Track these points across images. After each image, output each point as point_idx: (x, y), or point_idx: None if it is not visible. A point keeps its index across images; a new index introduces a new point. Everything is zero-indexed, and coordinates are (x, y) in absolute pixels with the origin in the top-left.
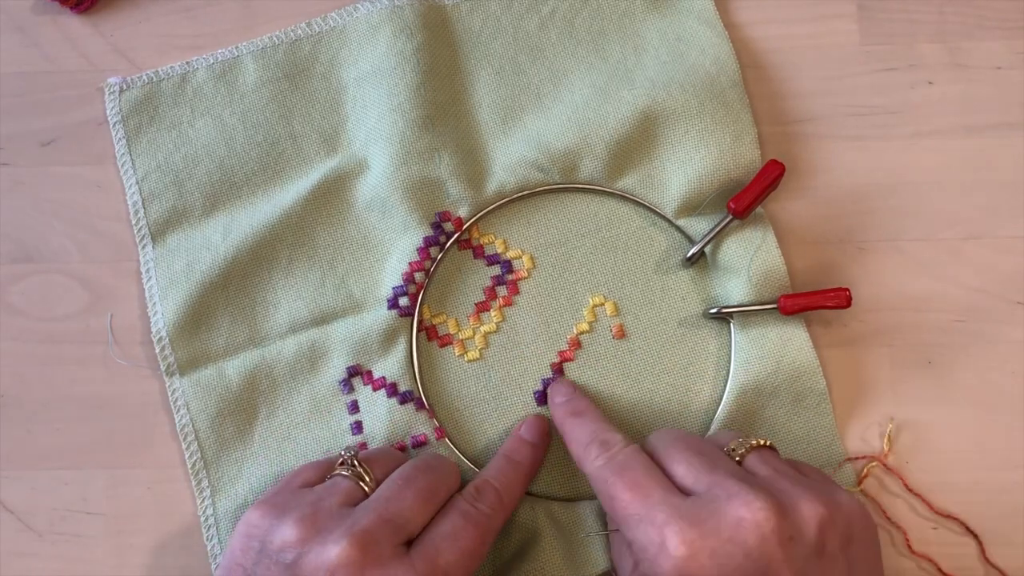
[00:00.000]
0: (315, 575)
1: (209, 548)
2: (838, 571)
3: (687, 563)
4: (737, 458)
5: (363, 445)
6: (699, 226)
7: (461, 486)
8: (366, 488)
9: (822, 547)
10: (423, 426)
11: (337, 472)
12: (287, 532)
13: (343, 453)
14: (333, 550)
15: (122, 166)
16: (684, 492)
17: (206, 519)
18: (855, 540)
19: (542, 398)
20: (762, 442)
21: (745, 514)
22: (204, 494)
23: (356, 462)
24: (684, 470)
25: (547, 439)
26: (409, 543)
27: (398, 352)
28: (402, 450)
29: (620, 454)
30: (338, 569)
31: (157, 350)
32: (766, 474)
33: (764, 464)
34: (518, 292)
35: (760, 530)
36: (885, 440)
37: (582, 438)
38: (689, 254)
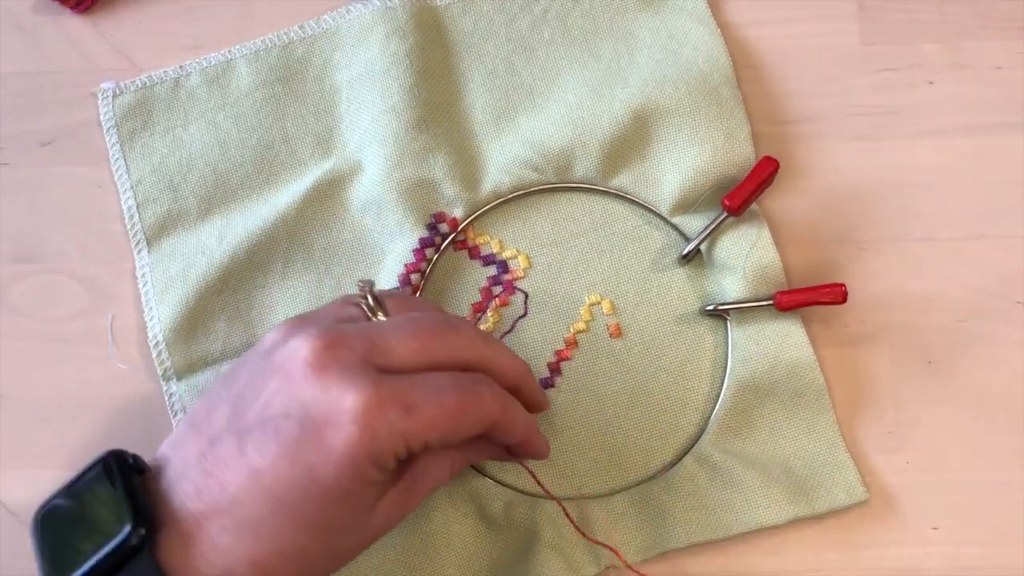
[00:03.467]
0: (282, 362)
1: None
2: None
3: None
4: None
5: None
6: (694, 223)
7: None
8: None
9: None
10: None
11: (350, 301)
12: (276, 333)
13: (359, 284)
14: (302, 339)
15: (116, 171)
16: None
17: None
18: None
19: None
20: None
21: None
22: None
23: (371, 296)
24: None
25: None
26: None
27: None
28: None
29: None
30: (297, 353)
31: (154, 355)
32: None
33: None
34: (514, 292)
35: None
36: None
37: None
38: (685, 252)
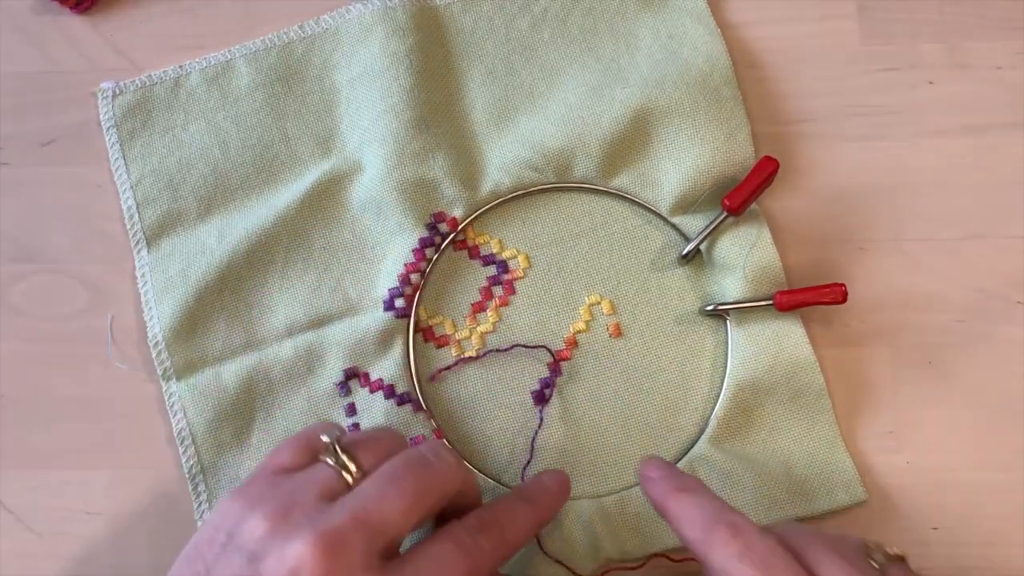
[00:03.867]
0: (275, 571)
1: None
2: None
3: None
4: (876, 565)
5: (356, 427)
6: (694, 223)
7: (468, 493)
8: (349, 479)
9: None
10: (421, 427)
11: (321, 459)
12: (255, 524)
13: (324, 438)
14: (297, 548)
15: (116, 171)
16: None
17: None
18: None
19: (539, 398)
20: (898, 553)
21: None
22: (200, 499)
23: (338, 449)
24: (830, 570)
25: (567, 492)
26: (388, 550)
27: (395, 354)
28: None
29: (759, 544)
30: (300, 569)
31: (153, 355)
32: None
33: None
34: (514, 292)
35: None
36: None
37: (702, 518)
38: (684, 251)
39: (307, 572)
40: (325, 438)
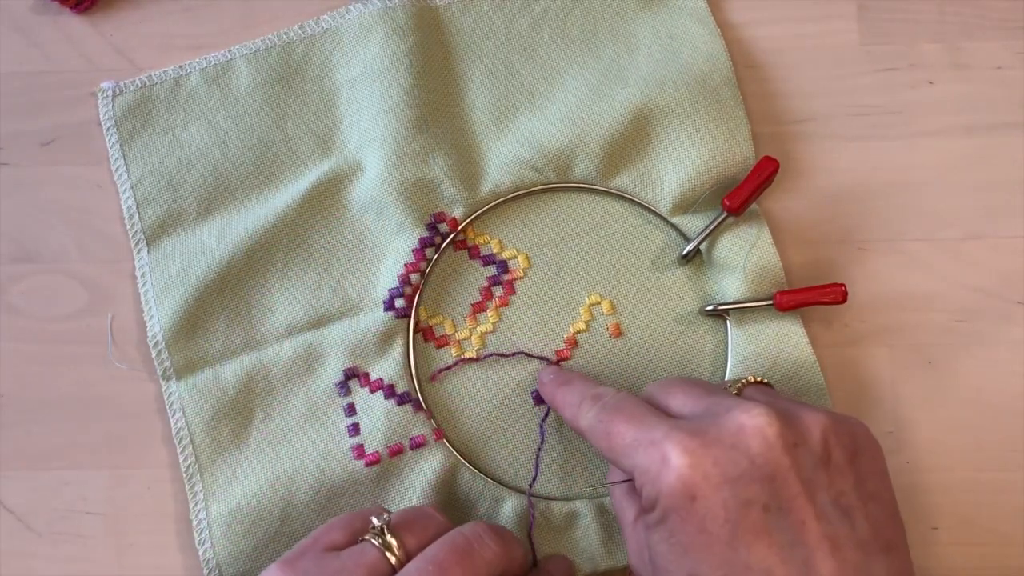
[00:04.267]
0: None
1: (201, 553)
2: (846, 482)
3: (691, 472)
4: (734, 391)
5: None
6: (694, 223)
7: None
8: (394, 561)
9: (827, 456)
10: (421, 427)
11: (367, 539)
12: None
13: (374, 520)
14: None
15: (116, 171)
16: (680, 418)
17: (198, 523)
18: (861, 453)
19: (540, 398)
20: (758, 379)
21: (746, 420)
22: (197, 498)
23: (386, 530)
24: (681, 400)
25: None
26: None
27: (395, 354)
28: (399, 452)
29: (612, 399)
30: None
31: (153, 354)
32: (765, 399)
33: (761, 393)
34: (514, 292)
35: (763, 434)
36: None
37: (573, 399)
38: (684, 252)
39: None
40: (376, 521)
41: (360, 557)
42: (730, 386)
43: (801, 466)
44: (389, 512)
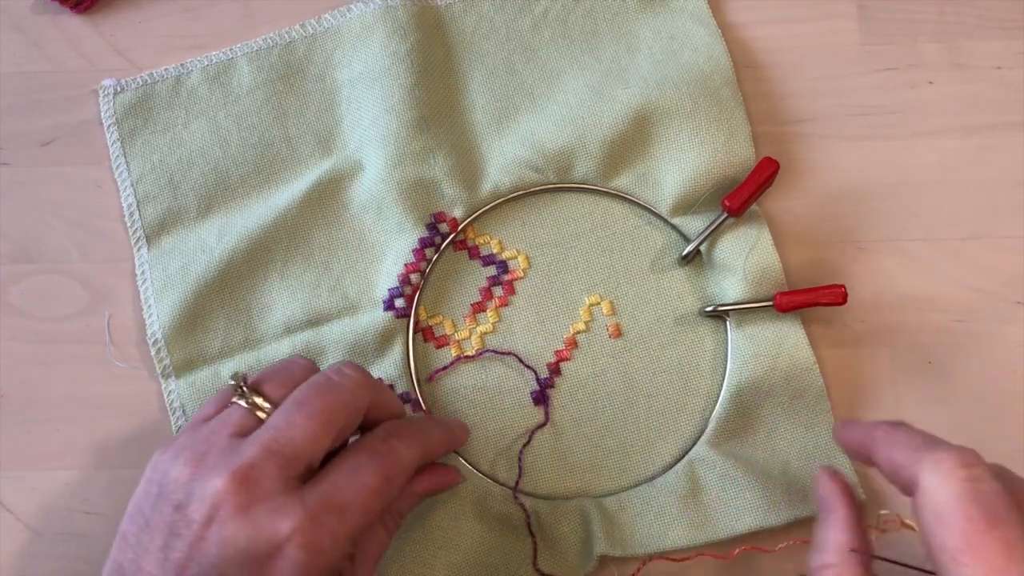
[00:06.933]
0: (199, 512)
1: None
2: None
3: None
4: None
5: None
6: (694, 224)
7: (384, 404)
8: (262, 415)
9: None
10: None
11: (233, 401)
12: (178, 472)
13: (231, 381)
14: (215, 486)
15: (117, 168)
16: None
17: None
18: None
19: (538, 398)
20: None
21: None
22: None
23: (245, 388)
24: None
25: (467, 432)
26: (306, 473)
27: (395, 353)
28: None
29: (987, 484)
30: (221, 505)
31: (153, 352)
32: None
33: None
34: (514, 292)
35: None
36: None
37: (912, 441)
38: (684, 252)
39: (227, 507)
40: (231, 381)
41: (227, 418)
42: None
43: None
44: (247, 374)
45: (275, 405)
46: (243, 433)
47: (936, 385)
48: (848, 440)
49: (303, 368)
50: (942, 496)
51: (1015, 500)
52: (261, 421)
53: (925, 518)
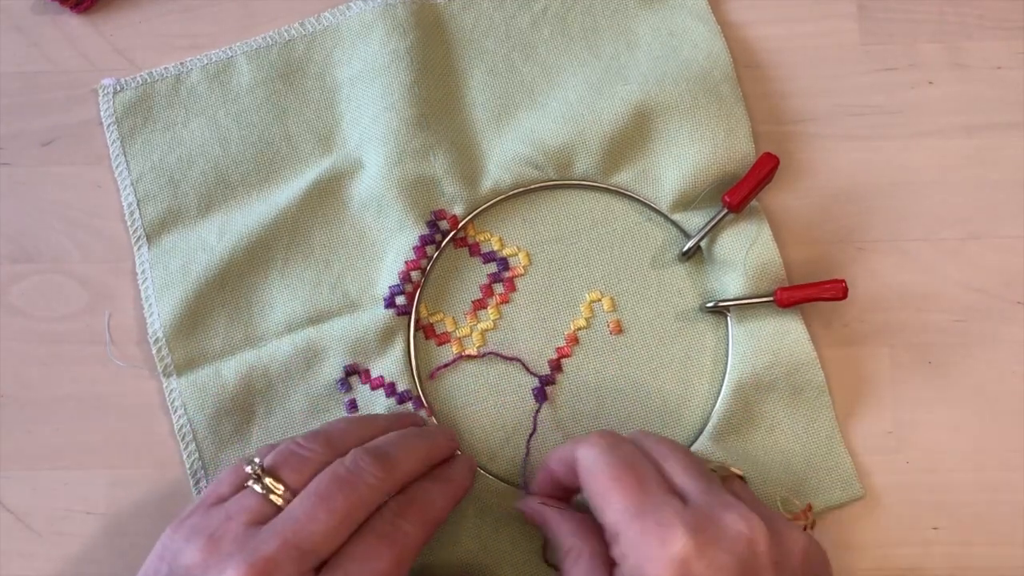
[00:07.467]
0: None
1: None
2: None
3: (683, 568)
4: (719, 477)
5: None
6: (695, 220)
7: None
8: (279, 501)
9: None
10: None
11: (247, 485)
12: (190, 556)
13: (245, 465)
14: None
15: (117, 167)
16: (681, 498)
17: None
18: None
19: (540, 395)
20: (739, 472)
21: (744, 529)
22: None
23: (261, 473)
24: (681, 477)
25: (475, 465)
26: (320, 565)
27: (396, 351)
28: None
29: (623, 444)
30: None
31: (154, 351)
32: (752, 504)
33: (745, 491)
34: (515, 289)
35: (756, 547)
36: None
37: (566, 444)
38: (685, 248)
39: None
40: (248, 468)
41: (243, 502)
42: (713, 469)
43: None
44: (260, 456)
45: (292, 492)
46: (259, 521)
47: (936, 385)
48: (529, 502)
49: (316, 455)
50: (590, 457)
51: (646, 455)
52: (277, 508)
53: (582, 476)
